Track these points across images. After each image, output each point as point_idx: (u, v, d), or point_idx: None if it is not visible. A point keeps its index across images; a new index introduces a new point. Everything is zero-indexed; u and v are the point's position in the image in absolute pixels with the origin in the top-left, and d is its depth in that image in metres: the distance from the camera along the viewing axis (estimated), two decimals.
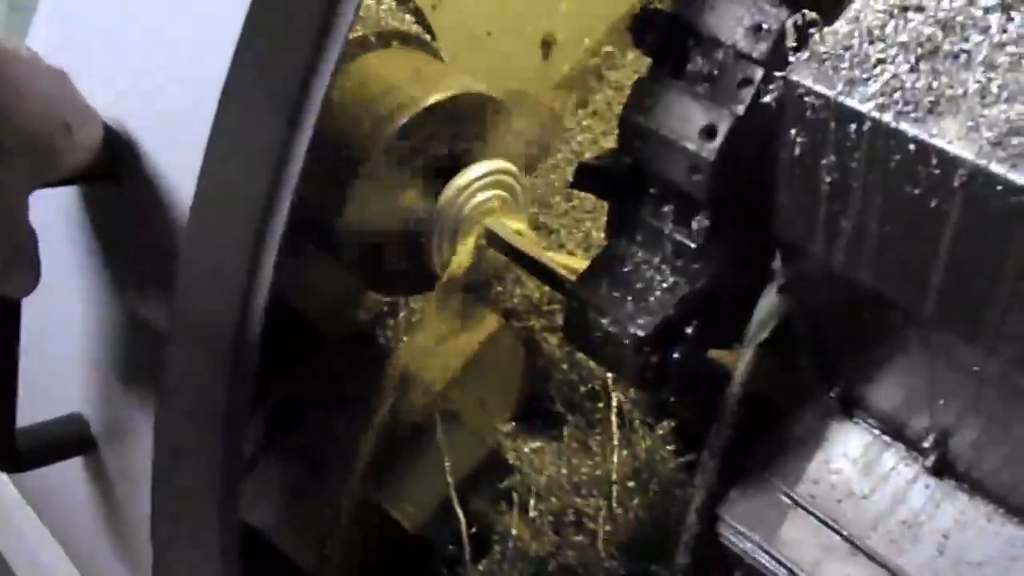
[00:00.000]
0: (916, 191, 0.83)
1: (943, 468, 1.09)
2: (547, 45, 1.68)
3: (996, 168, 0.77)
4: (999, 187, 0.77)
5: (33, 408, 1.01)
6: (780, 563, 1.13)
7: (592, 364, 1.59)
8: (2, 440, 0.98)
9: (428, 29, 1.45)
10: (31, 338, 0.94)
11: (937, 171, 0.80)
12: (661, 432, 1.53)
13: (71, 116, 0.80)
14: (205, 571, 1.03)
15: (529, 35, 1.66)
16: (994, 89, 0.80)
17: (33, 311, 0.92)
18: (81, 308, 0.98)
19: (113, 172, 0.89)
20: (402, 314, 1.57)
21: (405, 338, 1.57)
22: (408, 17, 1.43)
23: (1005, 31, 0.82)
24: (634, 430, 1.55)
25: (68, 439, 1.06)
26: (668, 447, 1.52)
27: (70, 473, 1.11)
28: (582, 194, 1.61)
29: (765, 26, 0.91)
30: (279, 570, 1.57)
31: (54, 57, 0.83)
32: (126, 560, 1.14)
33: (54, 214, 0.93)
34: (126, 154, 0.87)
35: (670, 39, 0.98)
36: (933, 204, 0.82)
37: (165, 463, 0.99)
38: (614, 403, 1.56)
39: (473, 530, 1.52)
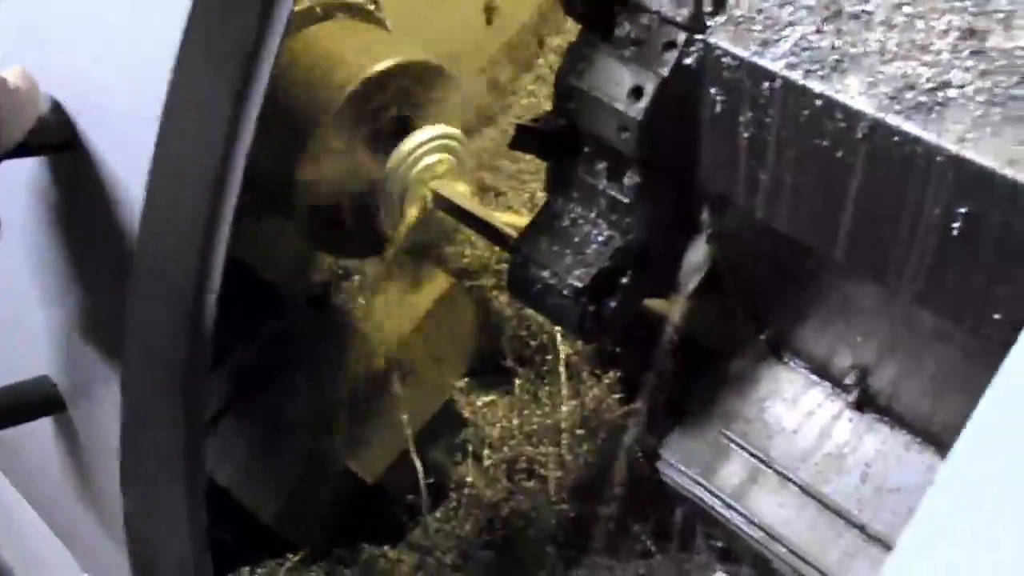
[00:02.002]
0: (824, 143, 0.89)
1: (865, 403, 1.17)
2: (490, 11, 1.72)
3: (893, 120, 0.84)
4: (896, 138, 0.84)
5: (2, 372, 1.05)
6: (715, 495, 1.21)
7: (541, 319, 1.66)
8: None
9: None
10: None
11: (842, 124, 0.87)
12: (607, 382, 1.60)
13: None
14: (174, 520, 1.08)
15: (472, 2, 1.69)
16: (892, 47, 0.86)
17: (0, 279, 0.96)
18: (45, 273, 1.02)
19: (64, 141, 0.92)
20: (357, 276, 1.62)
21: (361, 299, 1.62)
22: None
23: None
24: (582, 381, 1.62)
25: (37, 400, 1.09)
26: (614, 396, 1.59)
27: (39, 434, 1.15)
28: (527, 156, 1.66)
29: None
30: (244, 526, 1.62)
31: (13, 32, 0.86)
32: (96, 515, 1.18)
33: (12, 184, 0.97)
34: (81, 123, 0.91)
35: (599, 5, 1.03)
36: (839, 155, 0.88)
37: (132, 421, 1.03)
38: (562, 356, 1.63)
39: (430, 480, 1.59)
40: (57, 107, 0.88)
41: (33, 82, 0.87)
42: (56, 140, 0.90)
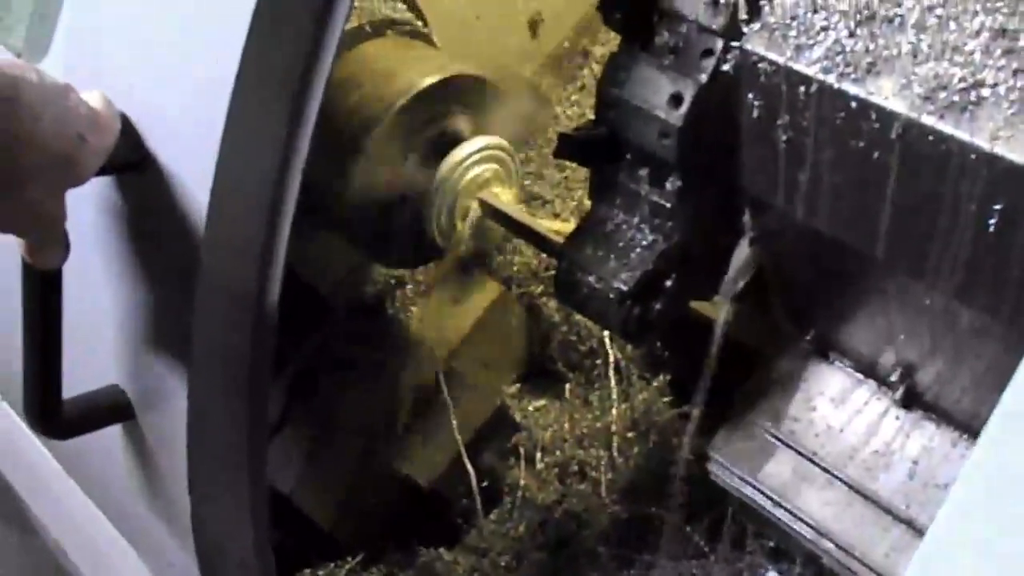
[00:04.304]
0: (860, 144, 0.91)
1: (911, 400, 1.18)
2: (534, 25, 1.75)
3: (927, 120, 0.86)
4: (930, 137, 0.86)
5: (74, 381, 1.10)
6: (764, 494, 1.23)
7: (590, 324, 1.69)
8: (51, 410, 1.07)
9: (420, 15, 1.53)
10: (70, 317, 1.03)
11: (876, 125, 0.89)
12: (657, 385, 1.63)
13: (83, 126, 0.88)
14: (238, 520, 1.13)
15: (516, 16, 1.73)
16: (924, 49, 0.88)
17: (72, 291, 1.01)
18: (115, 287, 1.07)
19: (136, 161, 0.97)
20: (409, 285, 1.66)
21: (413, 308, 1.66)
22: (400, 5, 1.51)
23: None
24: (631, 384, 1.64)
25: (108, 408, 1.15)
26: (664, 399, 1.62)
27: (109, 441, 1.20)
28: (573, 165, 1.70)
29: (722, 0, 1.00)
30: (303, 531, 1.66)
31: (80, 60, 0.92)
32: (163, 518, 1.23)
33: (87, 200, 1.02)
34: (149, 144, 0.96)
35: (637, 16, 1.07)
36: (875, 155, 0.91)
37: (198, 427, 1.08)
38: (611, 360, 1.65)
39: (484, 484, 1.63)
40: (129, 128, 0.93)
41: (112, 106, 0.92)
42: (129, 160, 0.95)
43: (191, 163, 0.93)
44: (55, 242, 0.96)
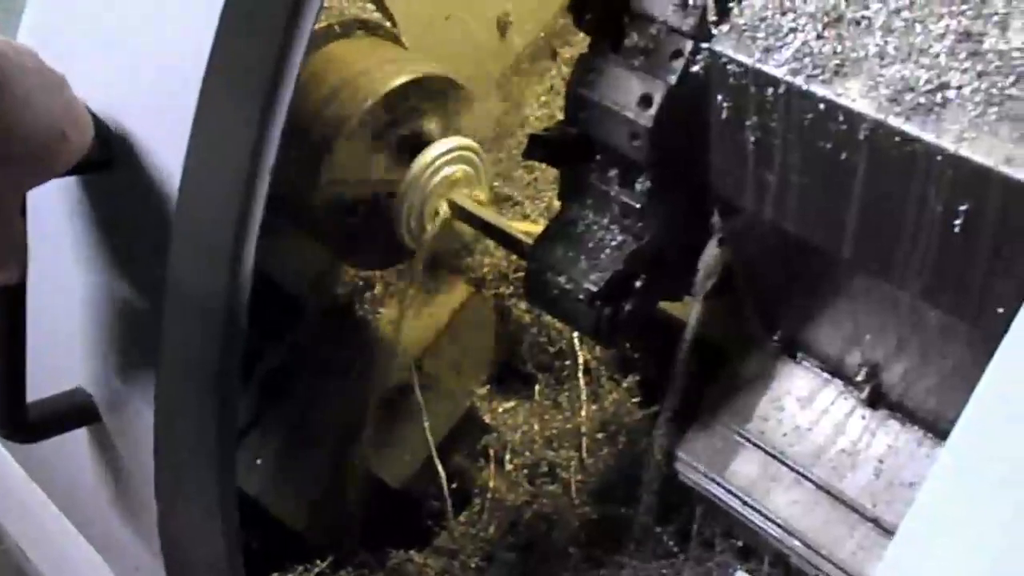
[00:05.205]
0: (827, 145, 0.92)
1: (877, 400, 1.19)
2: (503, 25, 1.75)
3: (893, 121, 0.87)
4: (896, 138, 0.87)
5: (39, 384, 1.09)
6: (732, 493, 1.23)
7: (559, 326, 1.69)
8: (14, 413, 1.05)
9: (388, 16, 1.53)
10: (34, 319, 1.02)
11: (844, 127, 0.90)
12: (626, 386, 1.63)
13: (67, 124, 0.85)
14: (207, 523, 1.12)
15: (485, 17, 1.73)
16: (891, 51, 0.89)
17: (35, 293, 1.00)
18: (80, 289, 1.06)
19: (104, 160, 0.96)
20: (378, 286, 1.65)
21: (382, 309, 1.65)
22: (369, 5, 1.51)
23: None
24: (601, 385, 1.65)
25: (73, 411, 1.13)
26: (633, 399, 1.62)
27: (74, 444, 1.18)
28: (543, 166, 1.70)
29: (691, 2, 1.00)
30: (273, 534, 1.65)
31: (43, 52, 0.90)
32: (130, 521, 1.22)
33: (51, 201, 1.01)
34: (116, 143, 0.95)
35: (607, 17, 1.07)
36: (843, 156, 0.91)
37: (166, 429, 1.07)
38: (581, 361, 1.66)
39: (454, 485, 1.62)
40: (97, 127, 0.91)
41: (85, 104, 0.90)
42: (96, 160, 0.93)
43: (158, 163, 0.92)
44: (8, 250, 0.90)
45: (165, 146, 0.91)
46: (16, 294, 0.99)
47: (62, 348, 1.13)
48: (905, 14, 0.90)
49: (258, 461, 1.64)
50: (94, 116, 0.93)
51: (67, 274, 1.07)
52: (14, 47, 0.81)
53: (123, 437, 1.14)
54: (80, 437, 1.17)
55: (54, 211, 1.02)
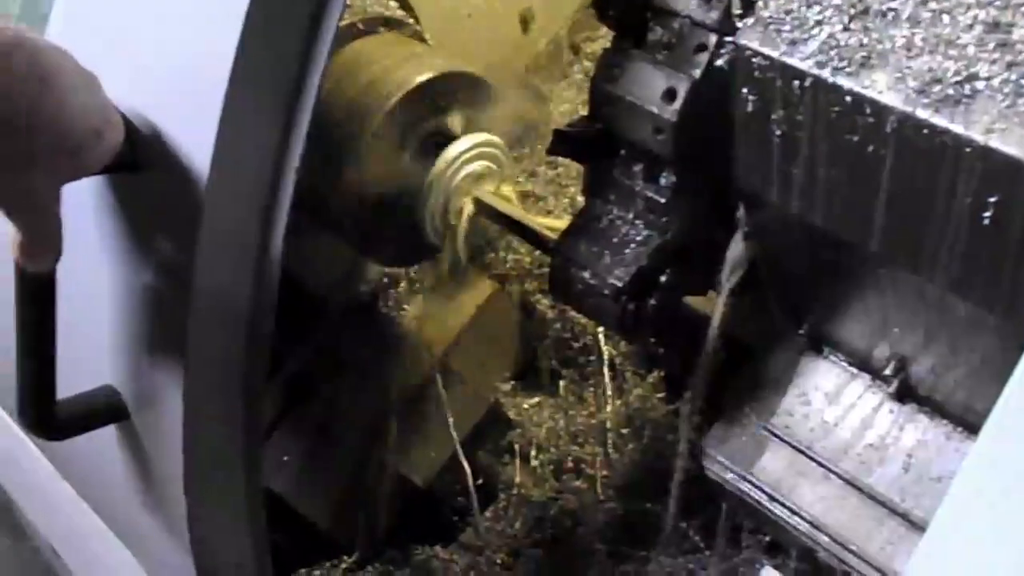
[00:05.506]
0: (854, 138, 0.91)
1: (905, 394, 1.18)
2: (525, 21, 1.75)
3: (921, 113, 0.86)
4: (924, 130, 0.86)
5: (68, 382, 1.10)
6: (760, 489, 1.23)
7: (584, 321, 1.69)
8: (45, 411, 1.06)
9: (411, 13, 1.53)
10: (64, 318, 1.03)
11: (871, 119, 0.89)
12: (651, 381, 1.63)
13: (102, 122, 0.88)
14: (234, 520, 1.13)
15: (507, 12, 1.73)
16: (918, 42, 0.88)
17: (65, 293, 1.01)
18: (109, 288, 1.07)
19: (132, 161, 0.97)
20: (403, 284, 1.66)
21: (407, 306, 1.65)
22: (392, 2, 1.51)
23: None
24: (626, 381, 1.65)
25: (102, 409, 1.14)
26: (658, 395, 1.62)
27: (103, 442, 1.19)
28: (566, 162, 1.70)
29: None
30: (299, 532, 1.66)
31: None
32: (158, 519, 1.23)
33: (80, 200, 1.01)
34: (143, 144, 0.96)
35: (631, 12, 1.07)
36: (870, 149, 0.91)
37: (193, 427, 1.07)
38: (605, 357, 1.65)
39: (479, 482, 1.62)
40: (128, 128, 0.92)
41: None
42: (125, 160, 0.94)
43: (185, 163, 0.93)
44: (45, 239, 0.95)
45: (192, 146, 0.92)
46: (47, 293, 1.00)
47: (92, 346, 1.14)
48: (932, 5, 0.89)
49: (285, 459, 1.65)
50: (123, 117, 0.94)
51: (96, 274, 1.08)
52: (54, 46, 0.83)
53: (152, 435, 1.15)
54: (109, 435, 1.19)
55: (83, 210, 1.03)
